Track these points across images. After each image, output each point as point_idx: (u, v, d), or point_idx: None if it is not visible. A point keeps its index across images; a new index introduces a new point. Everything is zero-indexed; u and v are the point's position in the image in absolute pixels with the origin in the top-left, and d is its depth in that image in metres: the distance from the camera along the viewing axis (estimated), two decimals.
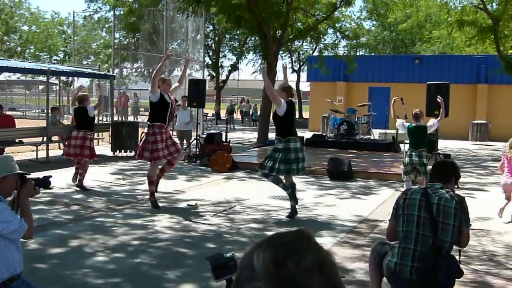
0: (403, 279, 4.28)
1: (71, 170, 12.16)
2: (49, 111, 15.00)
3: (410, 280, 4.22)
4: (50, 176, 3.98)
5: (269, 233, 7.45)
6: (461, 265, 5.73)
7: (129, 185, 11.03)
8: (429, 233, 4.21)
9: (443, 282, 4.20)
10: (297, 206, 8.50)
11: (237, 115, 35.70)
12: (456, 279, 4.38)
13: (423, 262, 4.20)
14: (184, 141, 15.55)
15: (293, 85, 46.15)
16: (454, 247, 4.42)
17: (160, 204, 9.02)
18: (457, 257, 4.53)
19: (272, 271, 1.00)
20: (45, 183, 3.97)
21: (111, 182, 11.27)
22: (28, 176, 3.76)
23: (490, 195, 10.95)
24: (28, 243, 6.38)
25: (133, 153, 15.29)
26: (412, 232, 4.25)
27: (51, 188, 9.53)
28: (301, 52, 40.00)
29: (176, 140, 10.28)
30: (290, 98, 8.38)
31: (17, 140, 14.37)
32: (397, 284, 4.42)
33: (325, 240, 7.11)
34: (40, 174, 4.04)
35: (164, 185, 10.33)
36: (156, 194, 9.14)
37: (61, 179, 10.61)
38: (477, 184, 12.29)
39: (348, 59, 22.28)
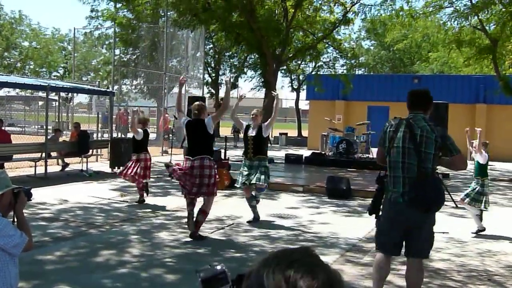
0: (397, 204, 4.75)
1: (69, 186, 12.12)
2: (49, 128, 14.96)
3: (403, 203, 4.70)
4: (30, 188, 3.97)
5: (269, 250, 7.41)
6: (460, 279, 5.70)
7: (128, 201, 10.99)
8: (413, 161, 4.73)
9: (432, 197, 4.68)
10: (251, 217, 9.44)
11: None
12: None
13: (412, 186, 4.69)
14: None
15: (292, 103, 46.14)
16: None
17: (158, 221, 9.01)
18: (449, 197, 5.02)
19: None
20: (29, 194, 3.93)
21: (109, 199, 11.24)
22: (17, 189, 3.70)
23: (490, 215, 10.92)
24: (26, 260, 6.34)
25: None
26: (399, 161, 4.80)
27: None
28: (299, 72, 40.07)
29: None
30: None
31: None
32: (393, 211, 4.85)
33: (326, 258, 7.08)
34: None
35: (163, 202, 10.31)
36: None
37: (61, 195, 10.57)
38: None
39: (345, 79, 22.29)
